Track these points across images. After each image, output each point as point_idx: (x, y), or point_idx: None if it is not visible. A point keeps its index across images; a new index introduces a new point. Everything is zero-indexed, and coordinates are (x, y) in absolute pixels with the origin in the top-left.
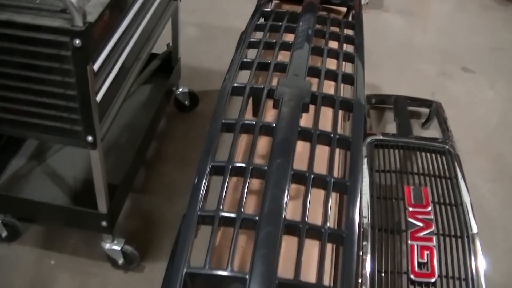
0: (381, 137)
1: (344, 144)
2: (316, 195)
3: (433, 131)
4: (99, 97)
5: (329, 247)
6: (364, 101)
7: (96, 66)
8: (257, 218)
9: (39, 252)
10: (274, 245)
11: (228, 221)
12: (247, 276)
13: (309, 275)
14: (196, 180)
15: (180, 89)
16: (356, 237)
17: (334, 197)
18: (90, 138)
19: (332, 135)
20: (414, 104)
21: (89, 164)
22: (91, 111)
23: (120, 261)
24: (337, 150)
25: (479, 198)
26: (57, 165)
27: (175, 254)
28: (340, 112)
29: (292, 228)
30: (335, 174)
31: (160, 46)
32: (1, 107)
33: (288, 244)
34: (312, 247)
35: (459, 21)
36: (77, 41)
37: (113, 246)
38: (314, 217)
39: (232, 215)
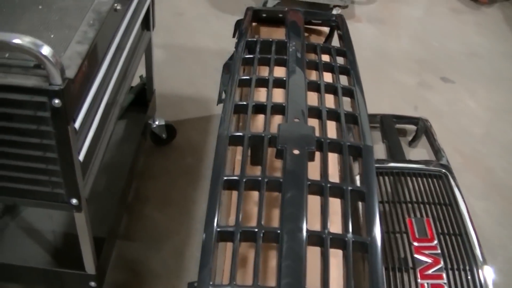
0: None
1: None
2: None
3: (421, 149)
4: (81, 156)
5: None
6: (371, 141)
7: (77, 125)
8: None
9: None
10: (300, 256)
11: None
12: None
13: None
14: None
15: (157, 122)
16: (380, 244)
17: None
18: (74, 201)
19: (344, 187)
20: (400, 122)
21: (67, 215)
22: (73, 172)
23: None
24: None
25: (474, 219)
26: (33, 218)
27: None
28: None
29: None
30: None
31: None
32: None
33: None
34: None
35: (430, 27)
36: (56, 101)
37: None
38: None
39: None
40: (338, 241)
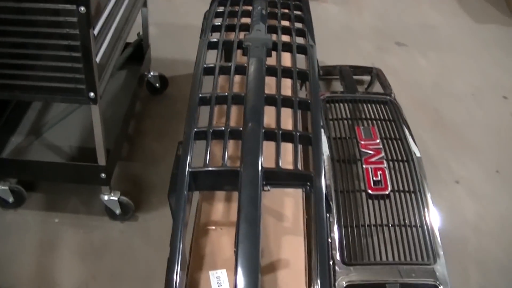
0: (331, 94)
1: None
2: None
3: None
4: (98, 58)
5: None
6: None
7: (96, 31)
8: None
9: (43, 214)
10: (257, 144)
11: (218, 134)
12: (239, 169)
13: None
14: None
15: (152, 73)
16: (321, 137)
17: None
18: (92, 94)
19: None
20: (357, 71)
21: (82, 134)
22: (92, 70)
23: (117, 211)
24: None
25: (422, 145)
26: (53, 137)
27: (179, 161)
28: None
29: (270, 134)
30: None
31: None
32: (13, 74)
33: (268, 149)
34: (287, 151)
35: (389, 5)
36: (82, 8)
37: (111, 197)
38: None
39: (222, 128)
40: (288, 136)
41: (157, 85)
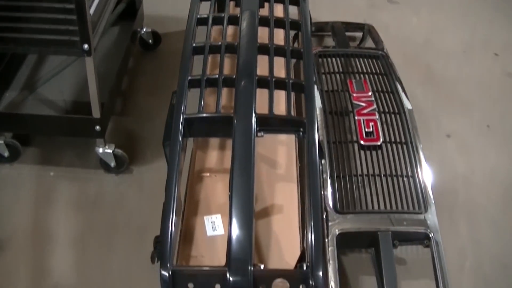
0: (323, 49)
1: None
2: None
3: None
4: (92, 10)
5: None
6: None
7: None
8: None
9: (39, 168)
10: (251, 91)
11: (212, 82)
12: (232, 115)
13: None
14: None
15: (144, 29)
16: (314, 85)
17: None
18: (86, 46)
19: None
20: (349, 28)
21: (76, 89)
22: (86, 21)
23: (112, 164)
24: None
25: (413, 100)
26: (48, 92)
27: (174, 108)
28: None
29: (263, 82)
30: None
31: None
32: (7, 27)
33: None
34: (280, 100)
35: None
36: None
37: (106, 149)
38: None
39: (215, 76)
40: (281, 83)
41: (150, 41)
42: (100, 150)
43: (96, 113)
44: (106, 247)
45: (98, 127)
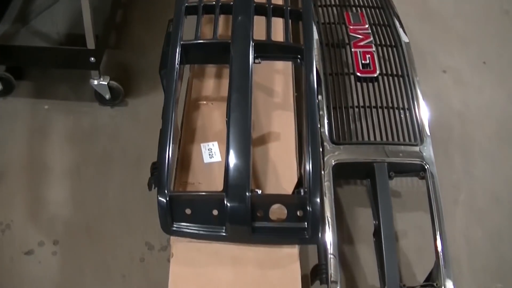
0: None
1: None
2: None
3: None
4: None
5: None
6: None
7: None
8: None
9: (33, 101)
10: (249, 17)
11: (209, 9)
12: (230, 41)
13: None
14: None
15: None
16: (312, 12)
17: None
18: None
19: None
20: None
21: (70, 22)
22: None
23: (107, 96)
24: None
25: (410, 35)
26: (41, 24)
27: (170, 36)
28: None
29: (261, 8)
30: None
31: None
32: None
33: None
34: (278, 29)
35: None
36: None
37: (101, 81)
38: None
39: (212, 3)
40: (279, 10)
41: None
42: (95, 82)
43: (90, 44)
44: (102, 177)
45: (92, 58)
